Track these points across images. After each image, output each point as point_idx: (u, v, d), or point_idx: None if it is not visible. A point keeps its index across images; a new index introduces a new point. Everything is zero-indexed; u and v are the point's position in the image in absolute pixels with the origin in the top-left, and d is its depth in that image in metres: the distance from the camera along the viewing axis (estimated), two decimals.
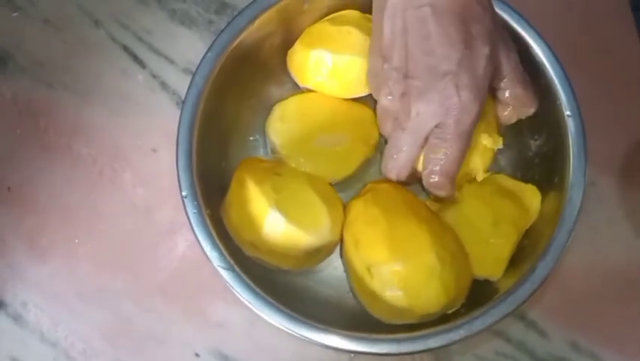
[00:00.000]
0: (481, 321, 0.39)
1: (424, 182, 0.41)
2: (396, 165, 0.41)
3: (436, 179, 0.40)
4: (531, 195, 0.43)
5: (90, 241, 0.46)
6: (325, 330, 0.39)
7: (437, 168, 0.40)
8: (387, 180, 0.43)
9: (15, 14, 0.49)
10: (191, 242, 0.45)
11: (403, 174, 0.42)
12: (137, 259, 0.46)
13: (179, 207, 0.41)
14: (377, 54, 0.40)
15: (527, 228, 0.43)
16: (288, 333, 0.39)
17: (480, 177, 0.43)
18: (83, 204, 0.46)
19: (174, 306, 0.45)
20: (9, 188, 0.47)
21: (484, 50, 0.38)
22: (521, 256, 0.43)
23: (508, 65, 0.40)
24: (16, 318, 0.45)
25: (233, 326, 0.45)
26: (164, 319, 0.45)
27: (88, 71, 0.48)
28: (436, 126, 0.39)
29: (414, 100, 0.39)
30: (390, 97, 0.40)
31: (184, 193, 0.41)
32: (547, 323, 0.44)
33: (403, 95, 0.39)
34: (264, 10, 0.43)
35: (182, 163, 0.41)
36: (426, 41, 0.37)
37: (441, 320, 0.40)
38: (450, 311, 0.41)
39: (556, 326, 0.44)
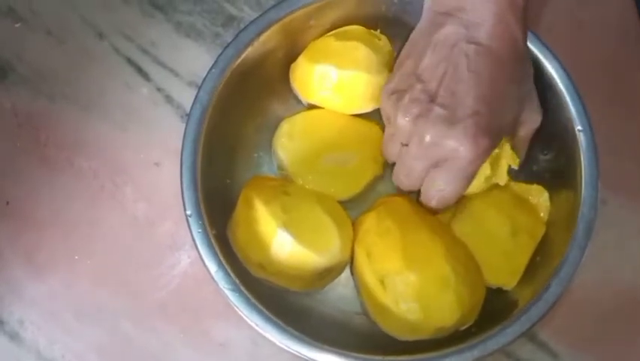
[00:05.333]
0: (495, 341, 0.38)
1: (421, 198, 0.41)
2: (408, 183, 0.41)
3: (433, 204, 0.40)
4: (538, 195, 0.43)
5: (90, 258, 0.45)
6: (332, 351, 0.38)
7: (436, 196, 0.40)
8: (399, 195, 0.43)
9: (17, 25, 0.49)
10: (193, 259, 0.45)
11: (415, 188, 0.41)
12: (138, 276, 0.45)
13: (181, 223, 0.41)
14: (407, 73, 0.40)
15: (541, 239, 0.43)
16: (293, 354, 0.38)
17: (504, 182, 0.43)
18: (83, 219, 0.46)
19: (175, 325, 0.44)
20: (7, 202, 0.46)
21: (515, 107, 0.39)
22: (533, 267, 0.42)
23: (522, 131, 0.41)
24: (13, 336, 0.44)
25: (235, 346, 0.44)
26: (165, 338, 0.44)
27: (90, 84, 0.48)
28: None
29: (431, 126, 0.38)
30: (407, 117, 0.38)
31: (188, 212, 0.40)
32: (559, 344, 0.44)
33: (419, 117, 0.38)
34: (270, 25, 0.43)
35: (186, 181, 0.41)
36: (466, 77, 0.37)
37: (452, 339, 0.39)
38: (463, 328, 0.40)
39: (567, 347, 0.44)
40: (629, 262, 0.45)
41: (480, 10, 0.38)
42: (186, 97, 0.47)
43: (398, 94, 0.39)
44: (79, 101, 0.48)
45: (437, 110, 0.37)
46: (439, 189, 0.39)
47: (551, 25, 0.46)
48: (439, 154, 0.38)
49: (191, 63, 0.48)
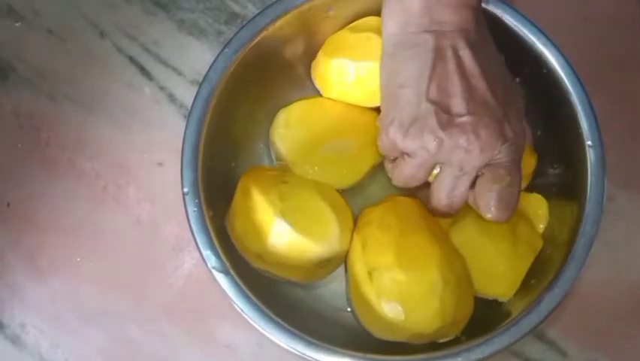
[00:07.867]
0: (499, 340, 0.38)
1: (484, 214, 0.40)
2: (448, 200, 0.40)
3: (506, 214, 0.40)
4: (537, 204, 0.43)
5: (92, 260, 0.45)
6: (336, 352, 0.38)
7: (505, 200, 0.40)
8: (410, 196, 0.42)
9: (18, 24, 0.49)
10: (197, 260, 0.44)
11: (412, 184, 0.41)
12: (142, 278, 0.45)
13: (185, 224, 0.40)
14: (413, 102, 0.39)
15: (539, 253, 0.42)
16: (299, 357, 0.38)
17: None
18: (86, 221, 0.45)
19: (180, 327, 0.44)
20: (9, 204, 0.46)
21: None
22: (528, 282, 0.42)
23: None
24: (14, 340, 0.44)
25: (241, 347, 0.43)
26: (170, 341, 0.43)
27: (92, 84, 0.48)
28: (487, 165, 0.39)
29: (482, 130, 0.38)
30: (435, 141, 0.38)
31: (185, 190, 0.40)
32: (568, 342, 0.44)
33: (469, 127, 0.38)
34: (287, 11, 0.42)
35: (186, 158, 0.40)
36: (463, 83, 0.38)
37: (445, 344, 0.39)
38: (441, 341, 0.40)
39: (576, 345, 0.44)
40: (637, 258, 0.45)
41: (452, 17, 0.38)
42: (189, 96, 0.46)
43: (417, 123, 0.38)
44: (81, 101, 0.47)
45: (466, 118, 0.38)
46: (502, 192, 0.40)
47: (555, 19, 0.45)
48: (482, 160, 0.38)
49: (194, 61, 0.48)
